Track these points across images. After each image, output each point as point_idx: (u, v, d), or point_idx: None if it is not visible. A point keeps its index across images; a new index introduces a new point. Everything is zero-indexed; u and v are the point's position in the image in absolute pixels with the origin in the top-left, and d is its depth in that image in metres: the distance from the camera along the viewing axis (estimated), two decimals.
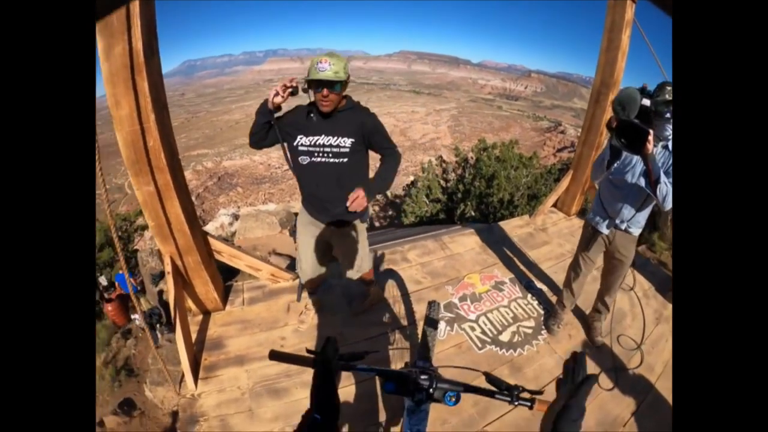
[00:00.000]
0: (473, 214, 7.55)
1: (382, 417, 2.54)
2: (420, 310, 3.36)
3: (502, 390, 1.18)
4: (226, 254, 3.28)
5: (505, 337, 3.21)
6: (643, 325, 3.36)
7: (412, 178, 12.90)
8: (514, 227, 4.82)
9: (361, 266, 2.94)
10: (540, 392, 1.15)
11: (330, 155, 2.36)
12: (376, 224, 12.19)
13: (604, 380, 2.87)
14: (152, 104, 2.25)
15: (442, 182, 9.05)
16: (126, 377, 3.30)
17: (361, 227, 2.80)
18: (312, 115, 2.33)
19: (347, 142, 2.34)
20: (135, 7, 2.03)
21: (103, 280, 3.94)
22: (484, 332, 3.24)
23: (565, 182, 4.88)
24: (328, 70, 2.10)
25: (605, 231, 2.73)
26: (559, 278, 3.88)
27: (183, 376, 2.73)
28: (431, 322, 1.94)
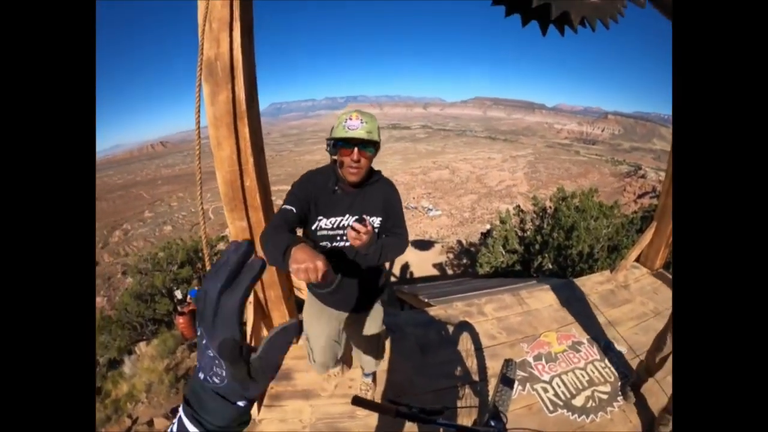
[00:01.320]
0: (551, 266, 7.35)
1: None
2: (493, 366, 3.37)
3: None
4: (305, 291, 3.51)
5: (578, 401, 3.12)
6: None
7: (488, 226, 12.84)
8: (594, 283, 4.68)
9: (379, 354, 2.74)
10: None
11: None
12: (449, 272, 12.13)
13: None
14: (251, 148, 2.42)
15: (519, 232, 8.93)
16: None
17: (380, 311, 2.49)
18: (337, 189, 1.92)
19: (376, 222, 1.98)
20: (238, 59, 2.21)
21: (178, 294, 4.34)
22: (557, 395, 3.17)
23: (648, 235, 4.70)
24: (360, 128, 1.74)
25: None
26: (641, 340, 3.73)
27: None
28: (507, 381, 1.93)
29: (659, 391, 3.15)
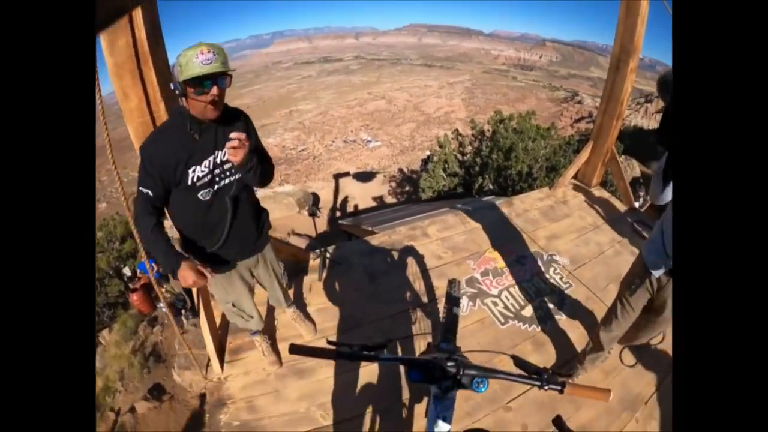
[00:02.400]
0: (491, 187, 7.46)
1: (407, 395, 2.55)
2: (442, 286, 3.35)
3: (531, 374, 1.17)
4: None
5: (527, 312, 3.19)
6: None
7: (428, 153, 12.80)
8: (534, 200, 4.74)
9: (286, 292, 2.70)
10: (569, 375, 1.14)
11: (232, 170, 1.88)
12: (393, 201, 12.14)
13: (627, 356, 2.83)
14: (161, 93, 2.19)
15: (459, 156, 8.93)
16: (154, 363, 3.41)
17: (269, 243, 2.42)
18: (195, 134, 1.77)
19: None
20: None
21: (126, 271, 4.08)
22: (506, 307, 3.22)
23: (585, 153, 4.75)
24: (215, 61, 1.59)
25: (657, 273, 1.98)
26: (581, 251, 3.84)
27: (209, 360, 2.77)
28: (453, 301, 1.89)
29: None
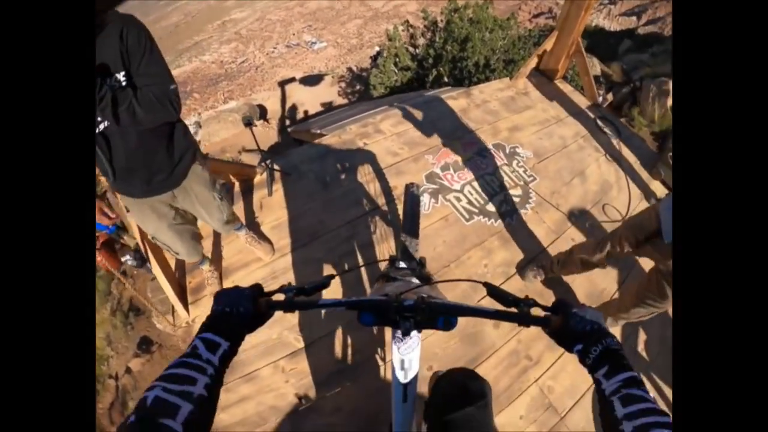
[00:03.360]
0: (446, 80, 7.04)
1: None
2: (400, 185, 3.09)
3: (509, 306, 0.89)
4: None
5: (492, 206, 3.02)
6: (629, 198, 3.31)
7: (377, 48, 12.02)
8: (494, 90, 4.40)
9: (225, 210, 2.29)
10: (554, 309, 0.88)
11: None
12: (344, 101, 11.54)
13: None
14: None
15: (410, 49, 8.34)
16: (135, 317, 3.41)
17: (198, 169, 2.00)
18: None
19: (120, 78, 1.46)
20: None
21: None
22: (470, 202, 3.03)
23: (549, 42, 4.39)
24: None
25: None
26: (544, 144, 3.65)
27: (173, 307, 2.53)
28: (412, 206, 1.68)
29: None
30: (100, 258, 3.43)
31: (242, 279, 2.62)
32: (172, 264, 2.70)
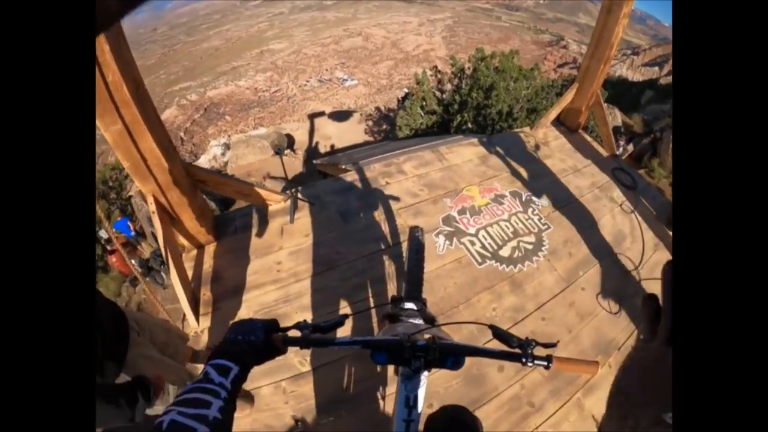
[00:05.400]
0: (470, 126, 7.25)
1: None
2: (416, 224, 3.20)
3: (513, 347, 0.98)
4: (211, 183, 2.98)
5: (505, 252, 3.10)
6: (642, 248, 3.34)
7: (405, 90, 12.35)
8: (515, 138, 4.55)
9: None
10: (554, 345, 0.97)
11: None
12: (370, 139, 11.82)
13: (611, 303, 2.84)
14: (104, 35, 1.85)
15: (437, 93, 8.61)
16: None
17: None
18: None
19: None
20: None
21: (103, 234, 3.85)
22: (484, 247, 3.12)
23: (569, 95, 4.56)
24: None
25: None
26: (561, 194, 3.76)
27: (184, 315, 2.62)
28: (416, 250, 1.73)
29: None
30: (115, 259, 3.54)
31: (256, 298, 2.73)
32: (190, 275, 2.84)
